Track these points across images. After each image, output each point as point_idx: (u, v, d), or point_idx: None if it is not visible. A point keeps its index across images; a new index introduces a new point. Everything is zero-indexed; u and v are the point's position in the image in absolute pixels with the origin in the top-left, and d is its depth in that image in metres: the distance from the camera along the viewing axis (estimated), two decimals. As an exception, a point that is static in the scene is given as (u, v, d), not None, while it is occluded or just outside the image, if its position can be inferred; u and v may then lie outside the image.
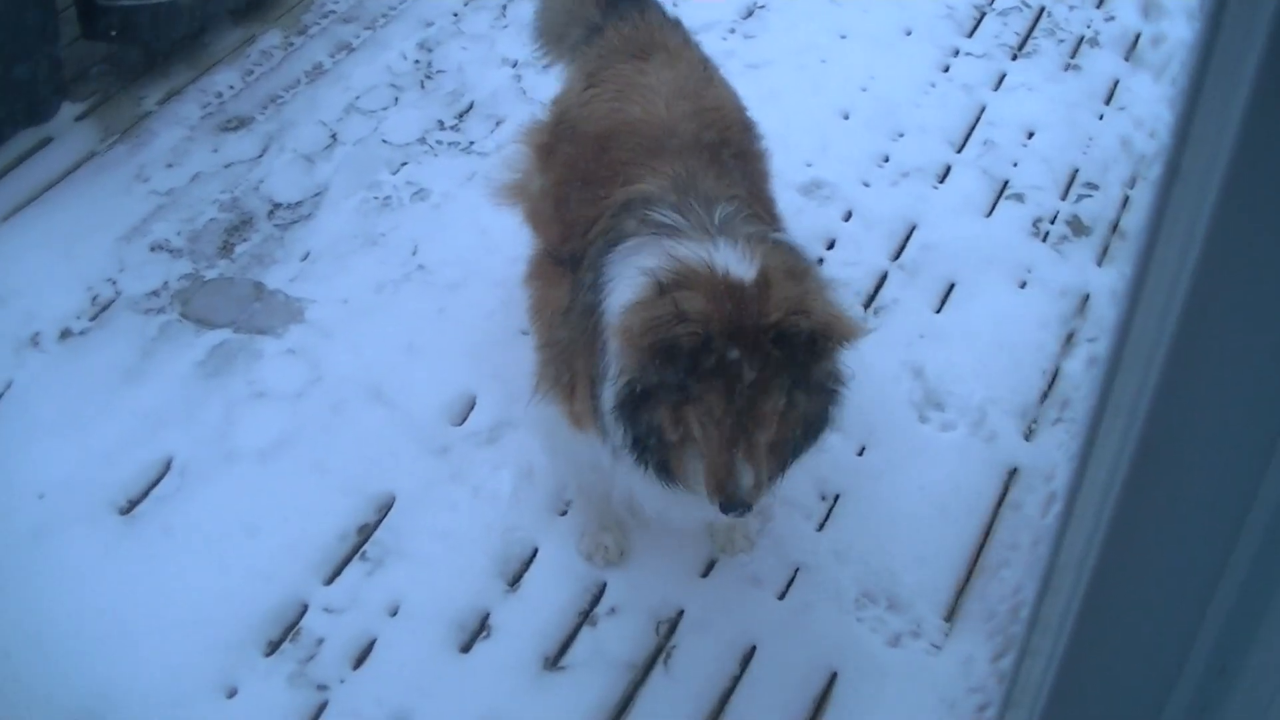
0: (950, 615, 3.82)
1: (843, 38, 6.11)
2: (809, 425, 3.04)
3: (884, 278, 4.85)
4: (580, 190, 3.53)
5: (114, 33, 5.64)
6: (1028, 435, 4.30)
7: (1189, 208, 0.95)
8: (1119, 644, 1.18)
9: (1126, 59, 6.08)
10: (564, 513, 3.99)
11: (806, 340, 2.78)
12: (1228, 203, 0.91)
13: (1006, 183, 5.35)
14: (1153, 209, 0.97)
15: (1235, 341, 0.96)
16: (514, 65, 5.92)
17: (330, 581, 3.85)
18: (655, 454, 2.99)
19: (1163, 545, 1.10)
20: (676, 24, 3.99)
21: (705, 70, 3.86)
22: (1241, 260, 0.93)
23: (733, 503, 2.86)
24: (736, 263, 2.93)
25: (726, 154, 3.53)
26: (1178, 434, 1.01)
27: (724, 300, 2.79)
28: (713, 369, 2.76)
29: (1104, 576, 1.12)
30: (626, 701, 3.60)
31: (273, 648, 3.70)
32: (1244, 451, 1.01)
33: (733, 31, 6.13)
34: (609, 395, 3.02)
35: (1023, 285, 4.85)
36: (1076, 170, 5.45)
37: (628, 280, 3.03)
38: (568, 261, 3.48)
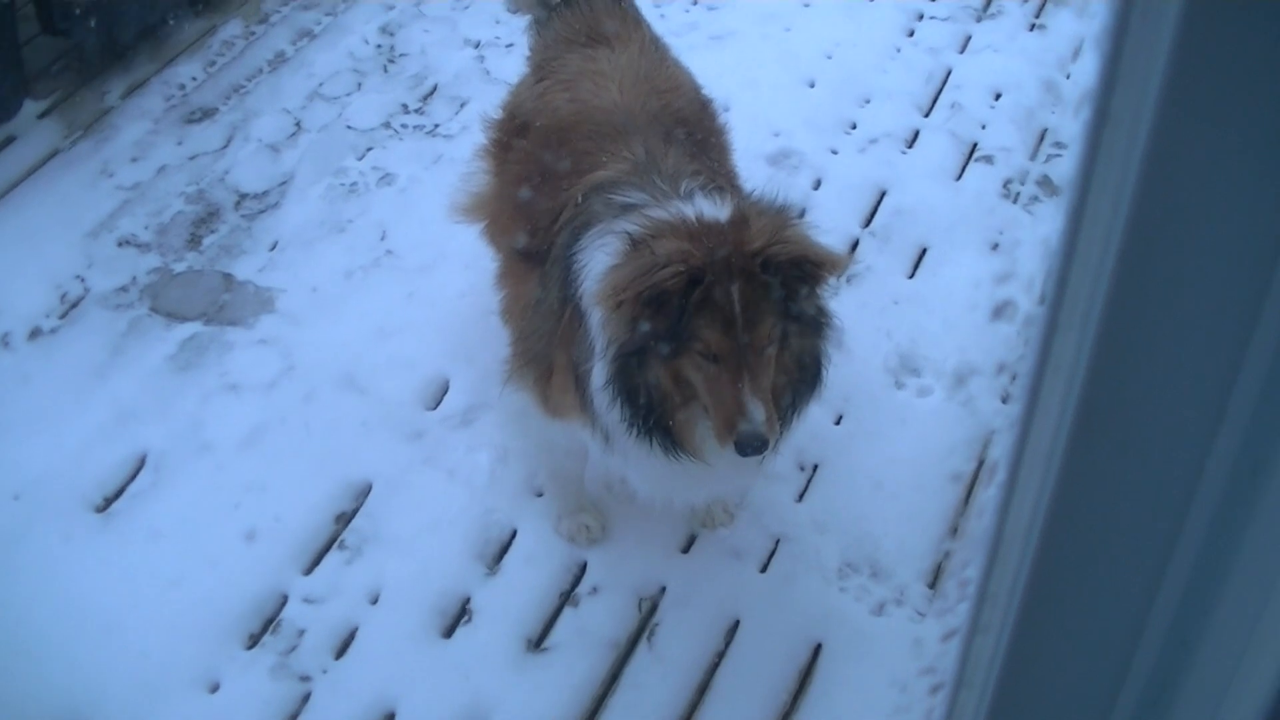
0: (933, 582, 3.81)
1: (806, 5, 6.09)
2: (804, 365, 2.99)
3: (855, 244, 4.84)
4: (542, 184, 3.50)
5: (74, 27, 5.60)
6: (1005, 398, 4.29)
7: (1121, 150, 0.93)
8: (1071, 616, 1.17)
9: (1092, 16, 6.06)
10: (541, 494, 3.97)
11: (793, 265, 2.76)
12: (1159, 147, 0.89)
13: (975, 145, 5.34)
14: (1083, 155, 0.95)
15: (1173, 298, 0.94)
16: (476, 46, 5.90)
17: (309, 571, 3.84)
18: (658, 423, 2.94)
19: (1112, 511, 1.08)
20: (624, 6, 3.93)
21: (657, 51, 3.83)
22: (1175, 214, 0.91)
23: (747, 440, 2.76)
24: (710, 210, 2.92)
25: (685, 133, 3.51)
26: (1119, 395, 0.99)
27: (702, 239, 2.77)
28: (703, 305, 2.73)
29: (1051, 545, 1.11)
30: (611, 680, 3.59)
31: (254, 640, 3.69)
32: (1191, 412, 1.00)
33: (695, 3, 6.12)
34: (599, 372, 2.98)
35: (995, 247, 4.84)
36: (1045, 130, 5.44)
37: (601, 252, 3.01)
38: (536, 256, 3.46)
